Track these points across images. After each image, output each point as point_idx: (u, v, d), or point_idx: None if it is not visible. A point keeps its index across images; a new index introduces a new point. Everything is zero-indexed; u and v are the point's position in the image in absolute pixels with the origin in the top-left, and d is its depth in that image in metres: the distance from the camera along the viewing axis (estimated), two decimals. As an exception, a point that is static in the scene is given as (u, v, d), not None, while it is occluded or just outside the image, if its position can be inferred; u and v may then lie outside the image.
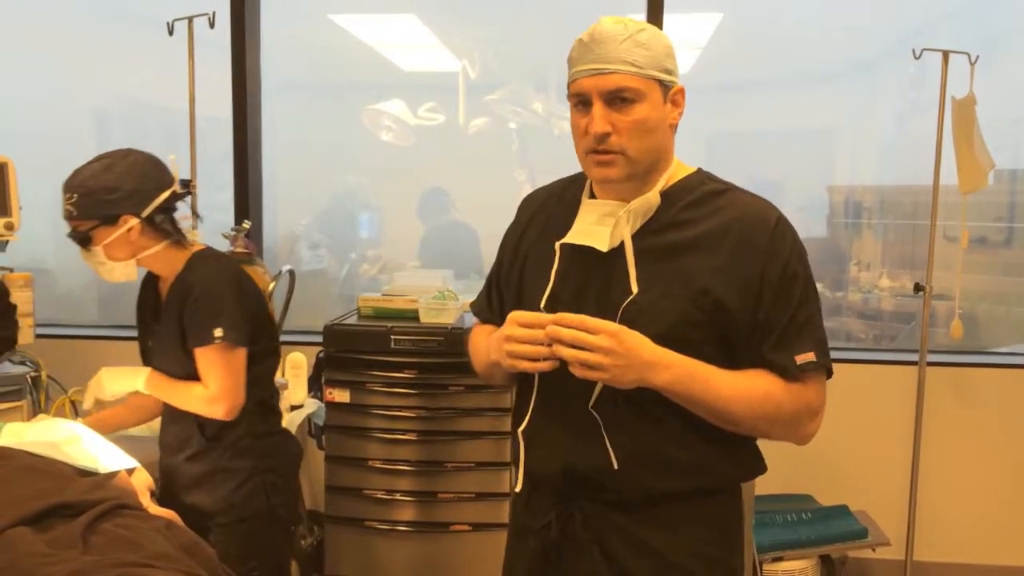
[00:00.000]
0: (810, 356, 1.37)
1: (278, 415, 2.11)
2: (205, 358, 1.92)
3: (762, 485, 2.91)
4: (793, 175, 3.84)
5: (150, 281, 2.10)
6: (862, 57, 3.84)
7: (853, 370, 3.29)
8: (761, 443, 1.47)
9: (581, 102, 1.37)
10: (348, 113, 3.98)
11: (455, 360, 2.93)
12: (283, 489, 2.05)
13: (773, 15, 3.77)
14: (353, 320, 3.15)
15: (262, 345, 2.03)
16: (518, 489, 1.49)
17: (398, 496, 2.99)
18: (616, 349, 1.27)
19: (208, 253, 2.03)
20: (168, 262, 1.99)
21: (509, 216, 1.66)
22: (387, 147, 3.92)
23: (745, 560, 1.59)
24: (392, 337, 2.97)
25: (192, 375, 1.96)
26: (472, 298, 3.31)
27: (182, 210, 2.03)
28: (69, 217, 1.91)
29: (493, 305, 1.62)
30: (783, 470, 1.50)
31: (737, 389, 1.35)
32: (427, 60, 4.19)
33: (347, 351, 2.99)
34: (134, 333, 3.62)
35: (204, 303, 1.91)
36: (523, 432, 1.45)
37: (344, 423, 3.01)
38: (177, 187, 1.98)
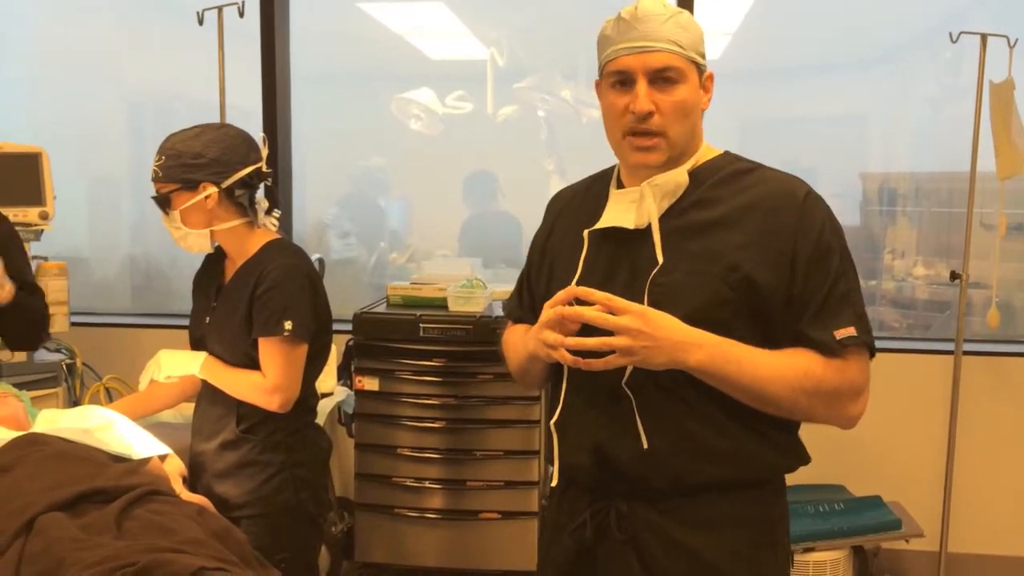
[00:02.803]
0: (850, 331, 1.32)
1: (313, 413, 2.11)
2: (269, 349, 1.93)
3: (793, 475, 2.88)
4: (825, 162, 3.78)
5: (215, 260, 2.11)
6: (895, 42, 3.77)
7: (887, 359, 3.23)
8: (795, 433, 1.43)
9: (620, 81, 1.35)
10: (377, 102, 3.99)
11: (484, 348, 2.93)
12: (312, 483, 2.04)
13: (803, 0, 3.71)
14: (382, 308, 3.16)
15: (319, 343, 2.03)
16: (553, 484, 1.46)
17: (427, 484, 3.00)
18: (643, 329, 1.25)
19: (285, 243, 2.04)
20: (240, 241, 2.00)
21: (538, 204, 1.65)
22: (415, 136, 3.92)
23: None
24: (421, 325, 2.98)
25: (245, 361, 1.96)
26: (500, 287, 3.34)
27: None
28: (155, 179, 1.94)
29: (524, 303, 1.60)
30: (815, 460, 1.45)
31: (773, 368, 1.31)
32: (455, 48, 4.18)
33: (376, 339, 3.00)
34: (167, 321, 3.69)
35: (278, 294, 1.92)
36: (555, 424, 1.43)
37: (373, 411, 3.03)
38: (263, 167, 1.99)
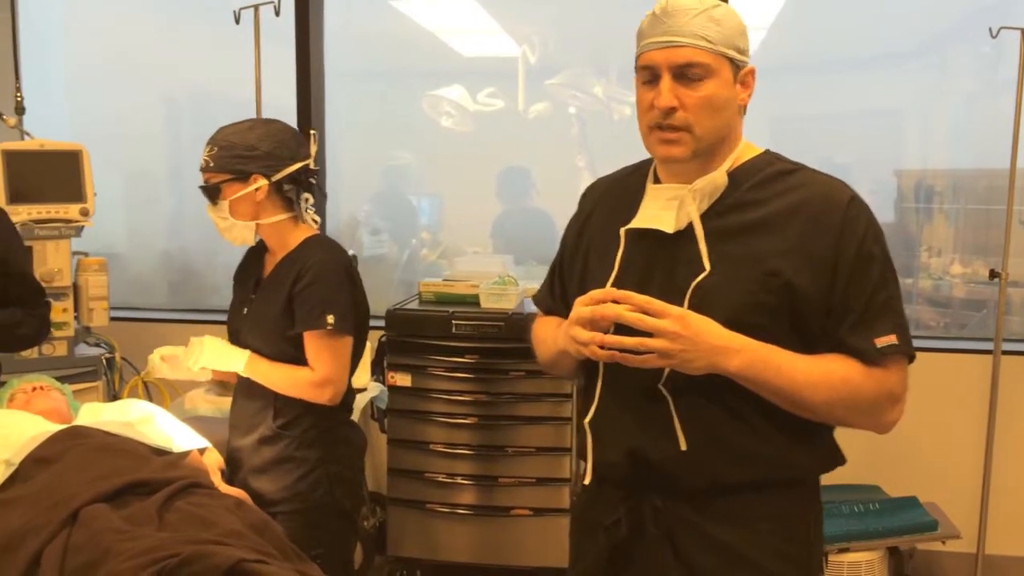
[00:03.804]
0: (891, 339, 1.31)
1: (349, 409, 2.13)
2: (315, 343, 1.95)
3: (828, 475, 2.86)
4: (860, 158, 3.74)
5: (255, 254, 2.14)
6: (931, 36, 3.72)
7: (923, 359, 3.14)
8: (829, 434, 1.42)
9: (649, 76, 1.35)
10: (409, 99, 4.01)
11: (515, 345, 2.93)
12: (347, 480, 2.06)
13: (839, -5, 3.68)
14: (414, 305, 3.17)
15: (357, 338, 2.05)
16: (586, 482, 1.45)
17: (459, 480, 3.02)
18: (682, 333, 1.24)
19: (325, 239, 2.07)
20: (283, 236, 2.03)
21: (569, 201, 1.64)
22: (447, 133, 3.93)
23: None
24: (453, 322, 2.99)
25: (280, 354, 1.98)
26: (532, 284, 3.34)
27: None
28: (205, 168, 1.97)
29: (555, 294, 1.60)
30: (850, 460, 1.44)
31: (812, 374, 1.30)
32: (487, 46, 4.18)
33: (409, 336, 3.02)
34: (204, 316, 3.74)
35: (319, 288, 1.94)
36: (589, 423, 1.43)
37: (406, 407, 3.05)
38: (311, 164, 2.02)
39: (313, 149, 2.04)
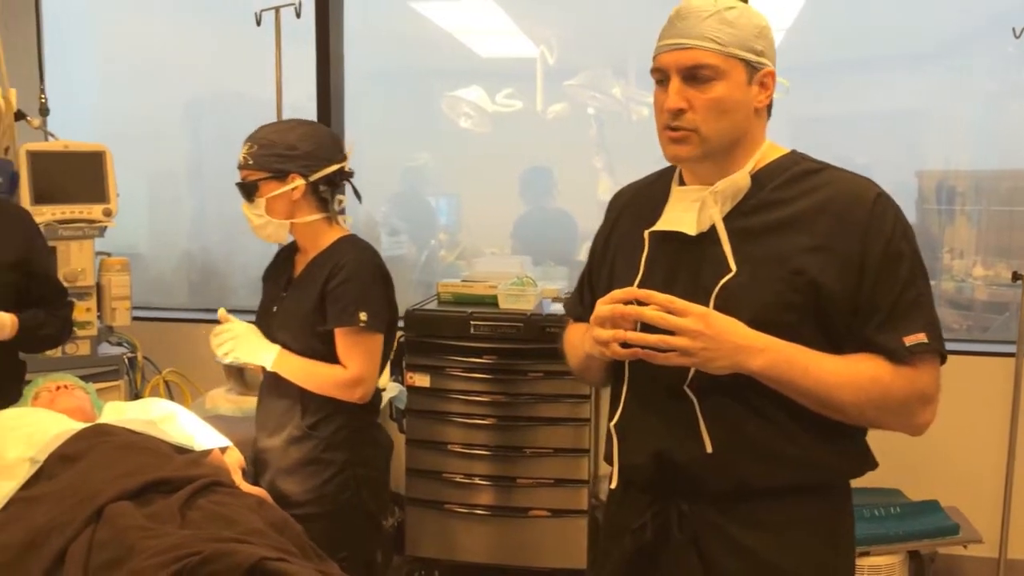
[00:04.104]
0: (920, 337, 1.28)
1: (377, 411, 2.13)
2: (347, 341, 1.96)
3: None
4: (880, 159, 3.71)
5: (287, 253, 2.15)
6: (953, 36, 3.69)
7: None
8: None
9: (660, 78, 1.36)
10: (427, 100, 4.01)
11: (534, 346, 2.93)
12: (373, 482, 2.06)
13: (860, -5, 3.65)
14: (433, 305, 3.18)
15: (386, 338, 2.06)
16: (613, 486, 1.45)
17: (477, 480, 3.02)
18: (705, 332, 1.24)
19: (357, 239, 2.08)
20: (316, 236, 2.04)
21: (587, 202, 1.65)
22: (465, 134, 3.93)
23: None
24: (472, 323, 2.99)
25: (310, 351, 1.98)
26: (550, 284, 3.33)
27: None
28: (243, 166, 1.99)
29: (585, 301, 1.60)
30: None
31: (840, 374, 1.28)
32: (505, 46, 4.18)
33: (427, 336, 3.03)
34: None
35: (352, 286, 1.95)
36: (615, 426, 1.42)
37: (424, 407, 3.05)
38: (347, 166, 2.04)
39: (350, 153, 2.06)
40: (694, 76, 1.31)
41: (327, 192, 2.02)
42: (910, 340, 1.28)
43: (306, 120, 2.06)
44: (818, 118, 3.79)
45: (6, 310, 2.04)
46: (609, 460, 1.46)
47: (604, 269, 1.53)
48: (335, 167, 2.01)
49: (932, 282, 3.94)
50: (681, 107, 1.32)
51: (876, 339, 1.30)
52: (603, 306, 1.31)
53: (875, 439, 1.43)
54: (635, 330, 1.29)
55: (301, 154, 1.96)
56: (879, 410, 1.31)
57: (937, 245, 3.76)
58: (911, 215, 3.77)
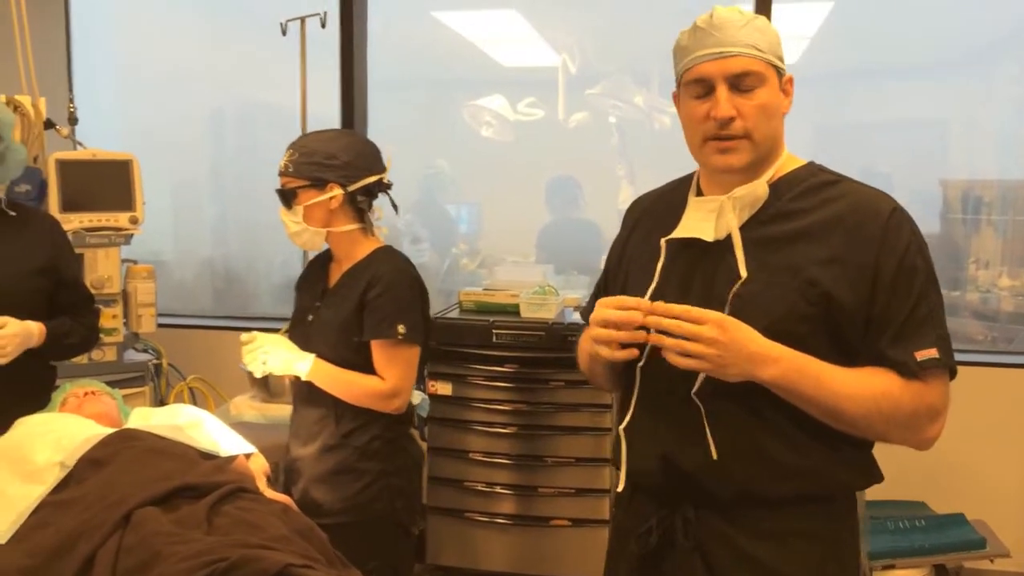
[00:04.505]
0: (931, 352, 1.29)
1: (410, 422, 2.13)
2: (385, 352, 1.97)
3: (873, 490, 2.79)
4: (904, 168, 3.69)
5: (320, 262, 2.16)
6: (979, 45, 3.66)
7: (971, 373, 3.11)
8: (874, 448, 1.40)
9: (701, 89, 1.35)
10: (449, 109, 4.03)
11: (555, 355, 2.93)
12: (406, 492, 2.06)
13: (884, 3, 3.63)
14: (455, 314, 3.19)
15: (423, 349, 2.06)
16: (620, 489, 1.45)
17: (498, 489, 3.02)
18: (720, 339, 1.24)
19: (394, 251, 2.09)
20: (351, 246, 2.05)
21: (608, 210, 1.65)
22: (487, 142, 3.95)
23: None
24: (494, 331, 3.00)
25: (344, 362, 1.98)
26: (572, 293, 3.33)
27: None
28: (284, 172, 2.00)
29: None
30: (895, 475, 1.42)
31: (850, 386, 1.28)
32: (527, 55, 4.20)
33: (450, 344, 3.03)
34: (247, 324, 3.78)
35: (391, 298, 1.96)
36: (624, 429, 1.43)
37: (446, 415, 3.06)
38: (385, 178, 2.05)
39: (388, 166, 2.06)
40: (740, 83, 1.32)
41: (364, 203, 2.03)
42: (921, 355, 1.29)
43: (348, 131, 2.10)
44: (842, 126, 3.78)
45: (36, 317, 2.06)
46: (616, 464, 1.47)
47: (619, 278, 1.54)
48: (374, 178, 2.02)
49: (956, 293, 3.92)
50: (732, 115, 1.32)
51: (887, 353, 1.30)
52: (606, 310, 1.32)
53: (899, 452, 1.42)
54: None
55: (341, 164, 1.97)
56: (888, 423, 1.31)
57: (962, 255, 3.73)
58: (935, 225, 3.74)
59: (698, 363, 1.25)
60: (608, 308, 1.31)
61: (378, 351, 1.97)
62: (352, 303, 1.98)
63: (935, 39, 3.60)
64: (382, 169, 2.05)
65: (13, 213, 2.14)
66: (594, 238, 3.86)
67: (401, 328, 1.95)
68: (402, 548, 2.09)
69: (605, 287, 1.61)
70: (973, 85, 3.71)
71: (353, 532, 1.94)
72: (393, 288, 1.97)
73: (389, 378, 1.96)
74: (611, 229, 4.19)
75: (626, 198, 3.77)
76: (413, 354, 2.00)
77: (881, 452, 1.40)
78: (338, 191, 1.98)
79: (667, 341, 1.26)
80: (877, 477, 1.40)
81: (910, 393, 1.29)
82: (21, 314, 2.01)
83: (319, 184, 1.97)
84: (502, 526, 3.03)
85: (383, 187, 2.06)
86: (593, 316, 1.34)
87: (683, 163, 1.50)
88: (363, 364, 1.98)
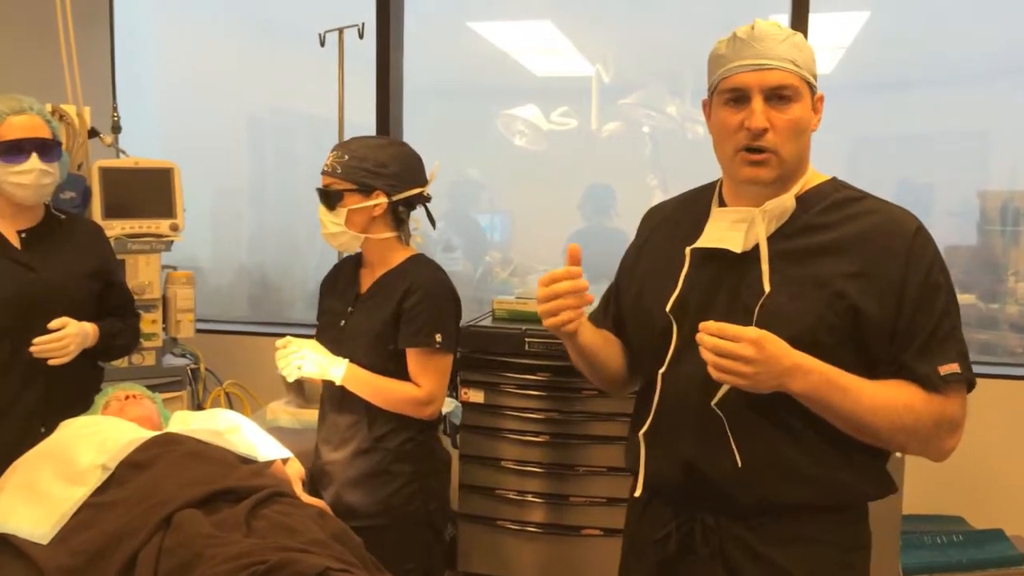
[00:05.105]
0: (954, 367, 1.33)
1: (437, 425, 2.15)
2: (421, 360, 1.99)
3: (910, 505, 2.77)
4: (941, 179, 3.65)
5: (349, 265, 2.17)
6: (1016, 55, 3.62)
7: (1009, 387, 3.10)
8: (910, 461, 1.42)
9: (735, 98, 1.36)
10: (483, 118, 4.06)
11: (588, 364, 2.93)
12: (439, 494, 2.08)
13: (922, 12, 3.60)
14: (488, 322, 3.20)
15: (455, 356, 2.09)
16: (637, 495, 1.47)
17: (529, 497, 3.02)
18: (757, 357, 1.26)
19: (427, 259, 2.11)
20: (386, 253, 2.07)
21: (639, 219, 1.67)
22: (520, 151, 3.97)
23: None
24: (526, 340, 3.01)
25: (378, 367, 2.00)
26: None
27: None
28: (331, 173, 2.00)
29: (609, 312, 1.64)
30: (932, 490, 1.44)
31: (876, 398, 1.32)
32: (561, 65, 4.22)
33: (482, 352, 3.04)
34: (282, 330, 3.82)
35: (429, 307, 1.98)
36: (644, 435, 1.44)
37: (478, 423, 3.07)
38: (426, 191, 2.07)
39: (432, 179, 2.08)
40: (776, 96, 1.34)
41: (404, 213, 2.05)
42: (944, 369, 1.33)
43: (398, 140, 2.12)
44: (879, 137, 3.75)
45: (87, 319, 2.13)
46: (634, 468, 1.48)
47: (632, 285, 1.56)
48: (417, 190, 2.04)
49: (995, 305, 3.87)
50: (766, 127, 1.34)
51: (912, 365, 1.34)
52: (542, 288, 1.40)
53: (937, 467, 1.44)
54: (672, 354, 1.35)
55: (390, 173, 1.99)
56: (910, 435, 1.34)
57: (1001, 267, 3.67)
58: (973, 237, 3.70)
59: (734, 379, 1.28)
60: (543, 287, 1.40)
61: (413, 359, 1.99)
62: (387, 311, 2.00)
63: (972, 49, 3.56)
64: (425, 182, 2.07)
65: (63, 216, 2.22)
66: (626, 247, 3.86)
67: (438, 337, 1.97)
68: (435, 551, 2.10)
69: (616, 291, 1.64)
70: (1012, 96, 3.67)
71: (388, 535, 1.96)
72: (431, 297, 1.99)
73: (424, 385, 1.98)
74: (644, 239, 4.13)
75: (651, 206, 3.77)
76: (447, 362, 2.02)
77: (918, 467, 1.41)
78: (383, 199, 1.99)
79: (708, 358, 1.28)
80: (891, 488, 1.44)
81: (931, 406, 1.33)
82: (76, 316, 2.10)
83: (366, 190, 1.99)
84: (533, 534, 3.03)
85: (423, 200, 2.08)
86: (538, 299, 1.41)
87: (716, 173, 1.51)
88: (395, 370, 2.00)
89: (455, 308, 2.05)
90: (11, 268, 2.07)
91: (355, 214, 1.99)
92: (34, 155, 2.03)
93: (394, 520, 2.01)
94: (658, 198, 3.87)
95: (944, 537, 2.84)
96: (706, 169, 1.51)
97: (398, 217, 2.05)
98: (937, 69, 3.64)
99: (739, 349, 1.25)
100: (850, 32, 3.67)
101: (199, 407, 3.17)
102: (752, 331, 1.27)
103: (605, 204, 3.95)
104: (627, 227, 3.90)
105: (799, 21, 3.24)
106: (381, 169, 1.98)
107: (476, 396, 3.05)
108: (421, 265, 2.06)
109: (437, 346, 1.97)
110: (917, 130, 3.72)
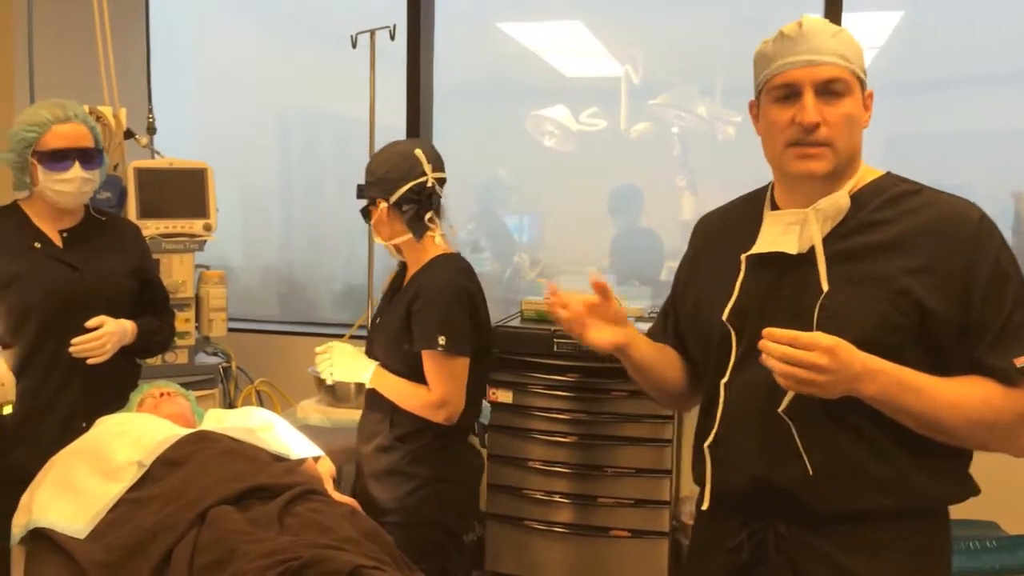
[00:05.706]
0: None
1: (466, 431, 2.15)
2: (430, 363, 2.00)
3: (942, 508, 2.74)
4: (974, 179, 3.60)
5: (401, 267, 2.21)
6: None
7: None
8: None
9: (786, 95, 1.35)
10: (512, 118, 4.06)
11: (616, 365, 2.86)
12: (458, 500, 2.08)
13: (956, 11, 3.55)
14: (516, 323, 3.21)
15: (477, 358, 2.07)
16: (705, 507, 1.44)
17: (557, 498, 3.03)
18: (831, 366, 1.22)
19: (449, 259, 2.08)
20: (415, 255, 2.10)
21: (671, 221, 1.66)
22: (549, 152, 3.97)
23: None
24: (555, 340, 3.01)
25: (400, 367, 2.04)
26: (634, 304, 3.32)
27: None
28: (360, 195, 2.14)
29: (668, 326, 1.63)
30: None
31: (950, 396, 1.27)
32: (590, 66, 4.21)
33: (511, 353, 3.05)
34: (311, 329, 3.87)
35: (432, 309, 1.99)
36: (709, 447, 1.42)
37: (506, 423, 3.08)
38: (427, 182, 2.04)
39: (428, 169, 2.05)
40: (827, 91, 1.33)
41: (411, 210, 2.03)
42: (1021, 361, 1.28)
43: (391, 142, 2.11)
44: (911, 137, 3.70)
45: (125, 316, 2.17)
46: (700, 481, 1.46)
47: (689, 296, 1.54)
48: (410, 185, 2.02)
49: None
50: (818, 121, 1.32)
51: (986, 360, 1.29)
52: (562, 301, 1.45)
53: (970, 471, 1.40)
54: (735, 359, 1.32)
55: (376, 179, 2.05)
56: (989, 432, 1.30)
57: (1038, 270, 3.62)
58: (1007, 238, 3.64)
59: (807, 388, 1.25)
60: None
61: (425, 362, 2.00)
62: (400, 313, 2.03)
63: (1005, 49, 3.51)
64: (419, 175, 2.03)
65: (103, 218, 2.26)
66: (657, 249, 3.85)
67: (442, 339, 1.96)
68: (452, 553, 2.10)
69: (673, 305, 1.62)
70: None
71: (402, 532, 1.97)
72: (435, 300, 1.99)
73: (435, 388, 1.99)
74: (672, 240, 4.15)
75: (688, 209, 3.75)
76: (458, 365, 2.00)
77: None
78: (383, 205, 2.04)
79: (777, 368, 1.24)
80: (973, 490, 1.38)
81: (1011, 400, 1.29)
82: (115, 313, 2.15)
83: (372, 201, 2.07)
84: (560, 535, 3.03)
85: (427, 190, 2.04)
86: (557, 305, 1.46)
87: (746, 174, 1.50)
88: (410, 372, 2.02)
89: (464, 309, 2.01)
90: (55, 267, 2.12)
91: (376, 226, 2.09)
92: (77, 163, 2.08)
93: (408, 520, 2.03)
94: (687, 199, 3.87)
95: (978, 543, 2.81)
96: (736, 169, 1.51)
97: (405, 216, 2.04)
98: (970, 69, 3.59)
99: (813, 358, 1.22)
100: (883, 32, 3.64)
101: (231, 405, 3.21)
102: (826, 338, 1.23)
103: (634, 205, 3.94)
104: (657, 227, 3.89)
105: (832, 21, 3.21)
106: (371, 177, 2.06)
107: (504, 396, 3.06)
108: (436, 266, 2.06)
109: (440, 348, 1.96)
110: (950, 130, 3.67)
